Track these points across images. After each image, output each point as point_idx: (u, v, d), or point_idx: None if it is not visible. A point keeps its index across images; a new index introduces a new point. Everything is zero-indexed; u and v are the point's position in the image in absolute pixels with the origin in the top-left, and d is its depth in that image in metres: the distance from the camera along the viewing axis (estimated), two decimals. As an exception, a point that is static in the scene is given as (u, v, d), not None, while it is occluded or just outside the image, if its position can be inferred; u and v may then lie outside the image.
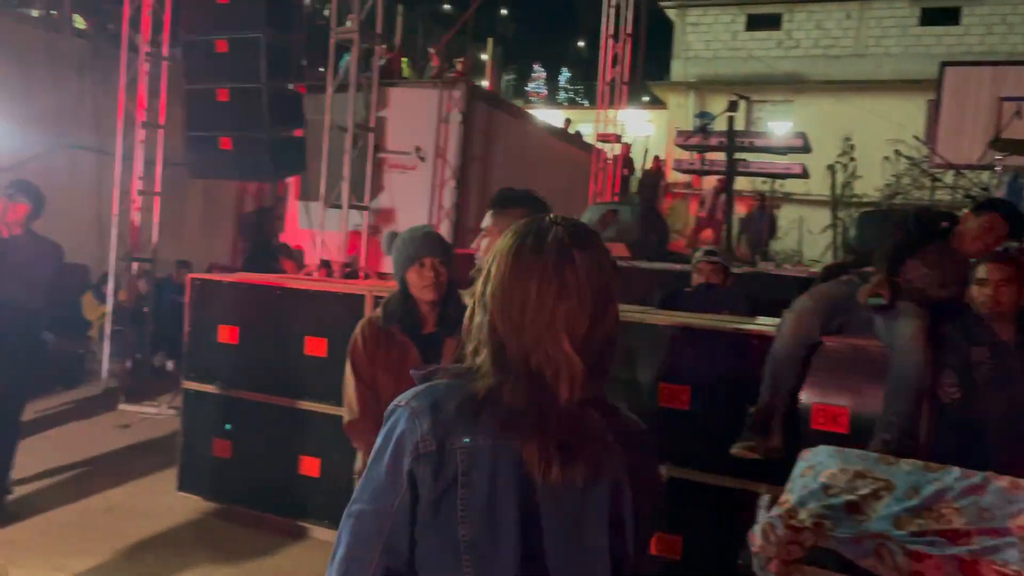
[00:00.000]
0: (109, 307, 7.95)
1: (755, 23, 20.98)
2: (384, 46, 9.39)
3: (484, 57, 24.56)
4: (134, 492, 5.15)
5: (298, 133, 7.60)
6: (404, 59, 14.97)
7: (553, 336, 1.23)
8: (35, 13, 11.43)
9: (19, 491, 4.75)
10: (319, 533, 4.49)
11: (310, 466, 4.53)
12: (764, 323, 3.81)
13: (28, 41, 9.72)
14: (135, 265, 8.10)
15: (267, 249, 9.68)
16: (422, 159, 9.20)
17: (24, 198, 4.47)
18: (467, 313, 1.33)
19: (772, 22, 20.79)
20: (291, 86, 7.51)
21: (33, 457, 5.15)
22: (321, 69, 8.43)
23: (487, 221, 2.37)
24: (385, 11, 8.48)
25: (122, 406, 7.09)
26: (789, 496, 2.58)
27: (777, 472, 3.08)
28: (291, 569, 4.19)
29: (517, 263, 1.26)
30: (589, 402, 1.24)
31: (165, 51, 8.06)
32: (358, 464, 3.05)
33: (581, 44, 33.30)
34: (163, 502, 4.93)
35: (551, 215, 1.33)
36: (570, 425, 1.21)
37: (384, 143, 9.22)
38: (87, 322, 8.81)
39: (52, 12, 10.98)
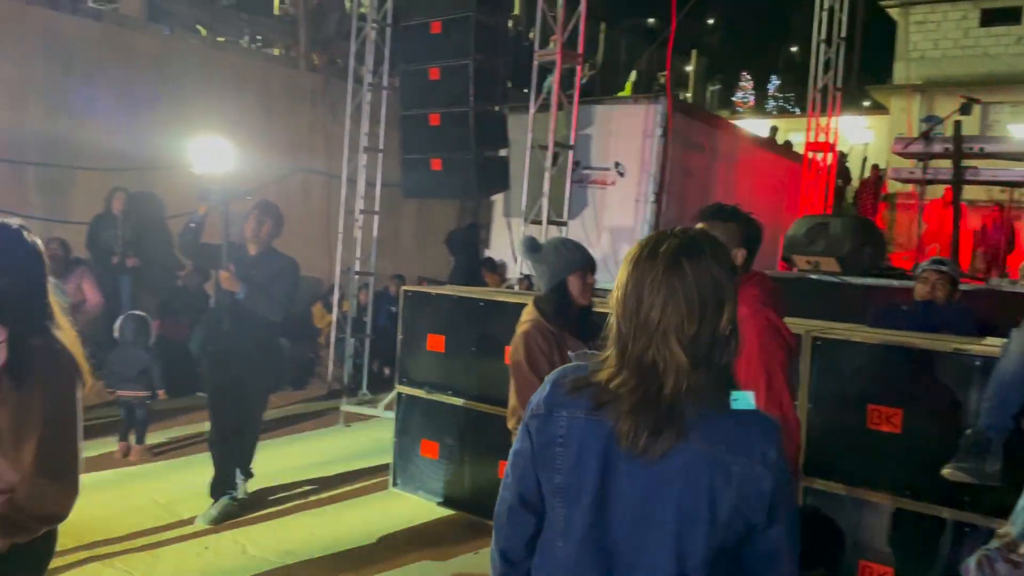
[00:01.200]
0: (334, 316, 8.67)
1: (991, 18, 19.06)
2: (587, 65, 9.55)
3: (688, 68, 24.20)
4: (354, 487, 5.59)
5: (502, 152, 7.94)
6: (629, 83, 15.12)
7: (663, 335, 1.43)
8: (276, 51, 12.77)
9: (256, 480, 5.22)
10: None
11: (509, 471, 4.71)
12: (989, 344, 3.50)
13: (269, 77, 10.88)
14: (357, 278, 8.75)
15: (473, 263, 10.14)
16: (621, 174, 9.25)
17: (268, 218, 4.89)
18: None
19: (1011, 16, 18.78)
20: (496, 108, 7.84)
21: (270, 450, 5.73)
22: (525, 90, 8.71)
23: None
24: (587, 29, 8.62)
25: (344, 407, 7.70)
26: (1011, 528, 2.37)
27: (999, 503, 2.83)
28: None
29: (635, 271, 1.48)
30: (693, 392, 1.42)
31: (385, 81, 8.69)
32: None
33: (793, 49, 31.92)
34: (378, 497, 5.33)
35: (673, 228, 1.53)
36: (668, 410, 1.41)
37: (585, 159, 9.37)
38: (317, 330, 9.67)
39: (291, 52, 12.21)
